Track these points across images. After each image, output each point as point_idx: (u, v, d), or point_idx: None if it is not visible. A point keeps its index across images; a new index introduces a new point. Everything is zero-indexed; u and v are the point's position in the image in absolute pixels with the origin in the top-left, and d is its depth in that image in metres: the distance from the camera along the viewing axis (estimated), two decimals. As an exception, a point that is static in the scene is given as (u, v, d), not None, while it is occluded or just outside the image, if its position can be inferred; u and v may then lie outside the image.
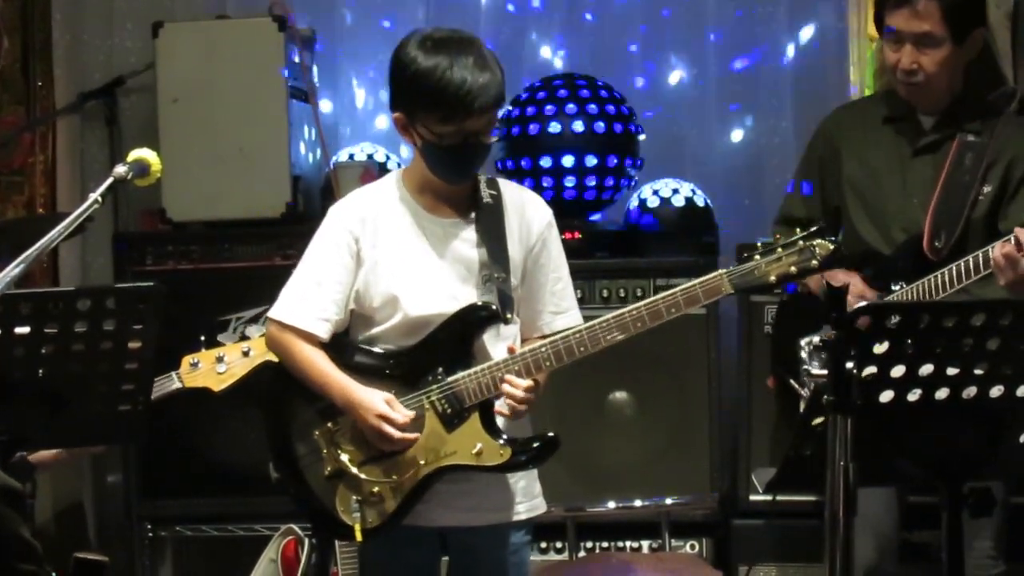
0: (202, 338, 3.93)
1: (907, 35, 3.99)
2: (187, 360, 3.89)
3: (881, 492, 3.99)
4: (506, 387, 3.35)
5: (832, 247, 3.31)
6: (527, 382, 3.35)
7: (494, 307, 3.39)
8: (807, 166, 4.30)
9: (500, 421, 3.43)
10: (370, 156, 5.35)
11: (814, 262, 3.32)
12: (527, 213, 3.51)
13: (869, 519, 3.72)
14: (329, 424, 3.45)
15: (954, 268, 3.83)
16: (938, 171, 4.03)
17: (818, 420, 2.91)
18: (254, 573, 4.77)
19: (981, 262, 3.79)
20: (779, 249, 3.33)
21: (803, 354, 4.17)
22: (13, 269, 3.02)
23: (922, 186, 4.05)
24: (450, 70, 3.32)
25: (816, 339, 4.06)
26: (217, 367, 3.88)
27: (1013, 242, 3.70)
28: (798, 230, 3.35)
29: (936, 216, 3.98)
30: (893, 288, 3.95)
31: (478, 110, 3.33)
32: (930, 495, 4.10)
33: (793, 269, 3.33)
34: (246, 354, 3.87)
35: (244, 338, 3.95)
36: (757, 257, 3.34)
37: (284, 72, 5.12)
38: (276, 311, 3.47)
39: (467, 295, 3.43)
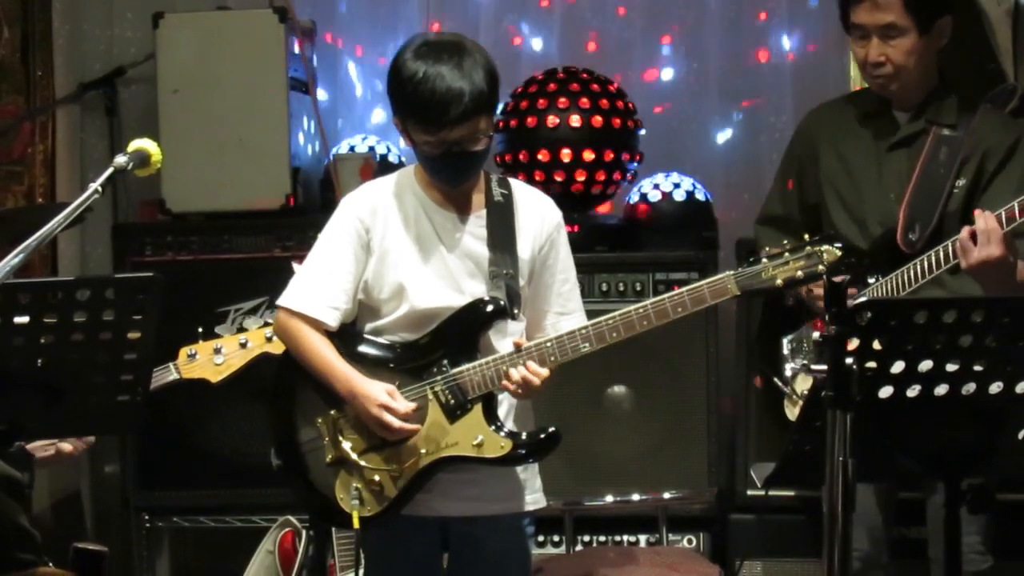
0: (199, 330, 3.92)
1: (872, 28, 4.01)
2: (184, 351, 3.88)
3: (871, 487, 4.00)
4: (525, 369, 3.34)
5: (839, 253, 3.33)
6: (543, 372, 3.35)
7: (502, 302, 3.39)
8: (787, 164, 4.33)
9: (502, 413, 3.44)
10: (370, 148, 5.34)
11: (820, 267, 3.33)
12: (537, 214, 3.51)
13: (861, 513, 3.74)
14: (333, 412, 3.45)
15: (925, 259, 3.86)
16: (913, 165, 4.05)
17: (816, 419, 2.92)
18: (251, 565, 4.76)
19: (951, 251, 3.81)
20: (786, 253, 3.35)
21: (785, 351, 4.19)
22: (13, 259, 3.01)
23: (897, 180, 4.06)
24: (425, 79, 3.30)
25: (816, 335, 4.06)
26: (215, 358, 3.88)
27: (969, 231, 3.73)
28: (806, 236, 3.38)
29: (910, 209, 4.00)
30: (870, 281, 3.96)
31: (452, 120, 3.30)
32: (918, 491, 4.15)
33: (800, 274, 3.35)
34: (244, 346, 3.87)
35: (242, 330, 3.95)
36: (764, 260, 3.36)
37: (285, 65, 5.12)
38: (286, 299, 3.47)
39: (474, 290, 3.43)
